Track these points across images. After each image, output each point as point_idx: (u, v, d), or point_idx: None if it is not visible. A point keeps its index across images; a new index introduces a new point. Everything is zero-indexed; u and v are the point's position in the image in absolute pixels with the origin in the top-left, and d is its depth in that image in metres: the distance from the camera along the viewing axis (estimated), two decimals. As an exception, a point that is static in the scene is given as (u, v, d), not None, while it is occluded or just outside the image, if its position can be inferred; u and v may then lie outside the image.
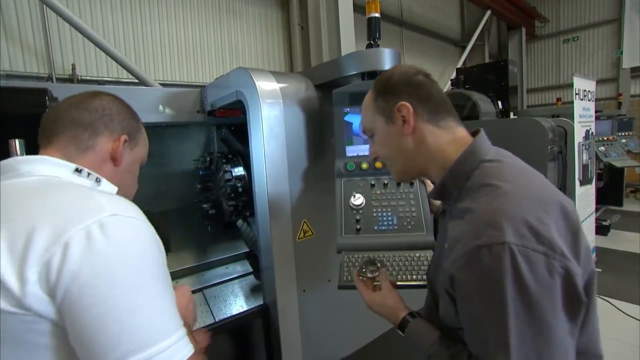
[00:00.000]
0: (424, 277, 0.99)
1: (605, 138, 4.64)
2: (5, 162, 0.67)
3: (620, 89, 8.12)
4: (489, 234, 0.59)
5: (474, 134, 0.80)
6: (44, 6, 2.72)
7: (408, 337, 0.82)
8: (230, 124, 1.99)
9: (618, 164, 4.45)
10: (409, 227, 1.12)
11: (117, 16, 3.28)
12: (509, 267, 0.57)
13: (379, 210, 1.16)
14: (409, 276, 1.00)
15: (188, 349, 0.59)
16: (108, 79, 3.25)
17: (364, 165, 1.24)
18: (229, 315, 1.44)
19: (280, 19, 4.59)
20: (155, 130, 1.92)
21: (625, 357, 2.33)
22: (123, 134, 0.78)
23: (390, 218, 1.14)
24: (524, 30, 8.71)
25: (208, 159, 1.94)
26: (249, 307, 1.52)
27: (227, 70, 4.04)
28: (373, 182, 1.21)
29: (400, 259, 1.05)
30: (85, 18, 3.05)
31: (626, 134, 5.29)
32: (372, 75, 1.31)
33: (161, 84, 3.24)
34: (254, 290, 1.79)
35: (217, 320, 1.44)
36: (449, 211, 0.78)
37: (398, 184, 1.20)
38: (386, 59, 1.28)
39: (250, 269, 1.94)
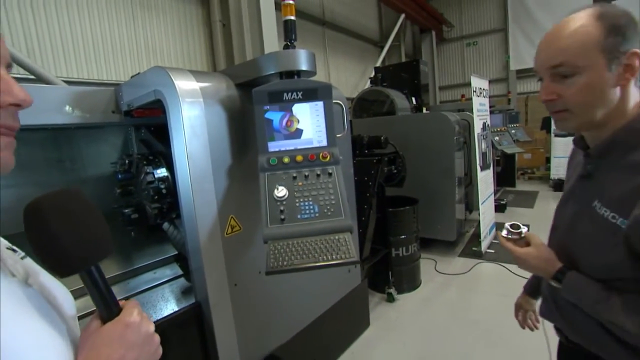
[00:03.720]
0: (344, 255, 1.11)
1: (498, 129, 5.39)
2: None
3: (509, 87, 9.49)
4: None
5: None
6: None
7: (566, 287, 0.82)
8: (149, 124, 1.92)
9: (508, 151, 5.23)
10: (329, 213, 1.23)
11: None
12: None
13: (301, 200, 1.25)
14: (330, 256, 1.11)
15: None
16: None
17: (286, 160, 1.32)
18: (160, 318, 1.42)
19: (201, 15, 4.45)
20: (62, 133, 1.78)
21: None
22: None
23: (311, 206, 1.24)
24: (434, 33, 9.61)
25: (127, 161, 1.84)
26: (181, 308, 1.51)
27: (145, 68, 3.80)
28: (295, 175, 1.30)
29: (323, 242, 1.15)
30: (-37, 6, 2.64)
31: (515, 125, 6.22)
32: (289, 74, 1.39)
33: (65, 82, 2.94)
34: (185, 293, 1.77)
35: (146, 325, 1.40)
36: (609, 167, 0.77)
37: (318, 175, 1.31)
38: (302, 60, 1.38)
39: (179, 272, 1.91)
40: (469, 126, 4.39)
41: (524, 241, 0.94)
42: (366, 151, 3.01)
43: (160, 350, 0.60)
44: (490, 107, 4.48)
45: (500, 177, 6.00)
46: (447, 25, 10.07)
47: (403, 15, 8.13)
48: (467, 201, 4.40)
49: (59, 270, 0.53)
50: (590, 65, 0.70)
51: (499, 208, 4.97)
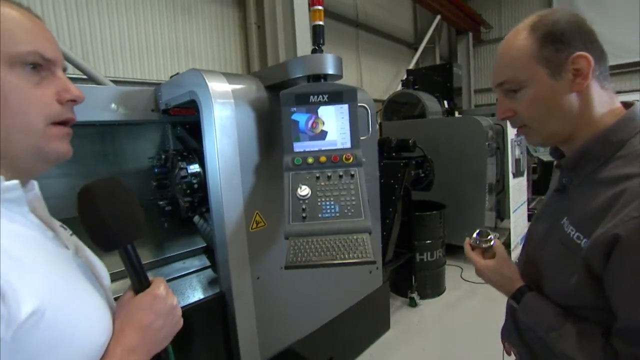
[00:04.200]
0: (360, 255, 1.14)
1: (537, 135, 5.15)
2: None
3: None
4: None
5: (626, 105, 0.72)
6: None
7: (523, 309, 0.77)
8: (185, 122, 2.04)
9: (545, 158, 4.98)
10: (349, 213, 1.27)
11: (59, 5, 3.15)
12: None
13: (323, 199, 1.29)
14: (347, 255, 1.14)
15: None
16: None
17: (310, 160, 1.36)
18: (186, 304, 1.51)
19: (237, 17, 4.60)
20: (108, 129, 1.93)
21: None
22: None
23: (332, 206, 1.28)
24: (470, 34, 9.34)
25: (163, 156, 1.97)
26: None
27: (183, 68, 3.99)
28: (318, 175, 1.34)
29: (341, 241, 1.19)
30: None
31: (556, 131, 5.86)
32: (317, 78, 1.44)
33: (112, 81, 3.16)
34: (211, 283, 1.86)
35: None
36: (580, 182, 0.72)
37: (340, 176, 1.34)
38: (329, 64, 1.42)
39: (207, 263, 2.01)
40: (503, 131, 4.25)
41: (492, 252, 0.89)
42: (394, 154, 3.01)
43: (181, 322, 0.69)
44: (527, 111, 4.29)
45: (537, 185, 5.73)
46: (485, 27, 9.75)
47: (439, 17, 7.96)
48: (499, 209, 4.25)
49: (103, 244, 0.63)
50: (532, 78, 0.69)
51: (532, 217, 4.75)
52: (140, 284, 0.66)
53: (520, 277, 0.82)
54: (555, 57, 0.67)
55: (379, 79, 7.38)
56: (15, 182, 0.53)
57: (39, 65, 0.54)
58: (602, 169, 0.68)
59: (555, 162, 0.81)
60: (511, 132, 3.56)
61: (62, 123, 0.57)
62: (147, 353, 0.61)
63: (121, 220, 0.62)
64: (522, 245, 0.92)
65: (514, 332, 0.87)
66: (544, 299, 0.75)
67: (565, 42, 0.66)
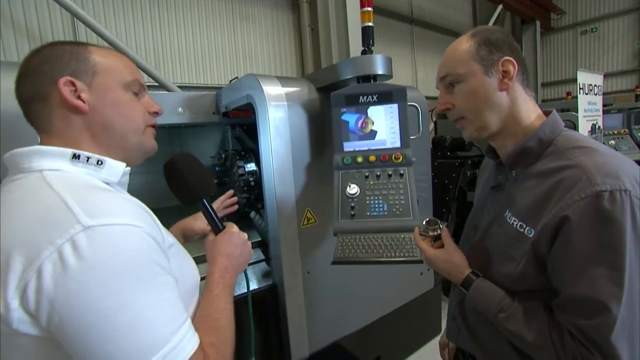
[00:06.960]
0: (407, 254, 1.14)
1: (616, 132, 4.59)
2: (7, 156, 0.63)
3: (640, 80, 7.92)
4: (608, 181, 0.63)
5: (546, 113, 0.85)
6: (75, 18, 2.98)
7: (473, 294, 0.82)
8: (243, 124, 2.17)
9: (632, 159, 4.40)
10: (398, 212, 1.27)
11: (138, 24, 3.51)
12: (629, 213, 0.62)
13: (372, 198, 1.31)
14: (394, 253, 1.15)
15: (191, 344, 0.58)
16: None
17: (359, 159, 1.39)
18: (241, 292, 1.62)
19: (292, 21, 4.75)
20: (175, 131, 2.14)
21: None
22: (59, 77, 0.64)
23: (381, 205, 1.29)
24: (538, 23, 8.57)
25: (223, 155, 2.12)
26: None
27: (242, 72, 4.23)
28: (367, 174, 1.36)
29: (388, 239, 1.20)
30: (110, 28, 3.30)
31: (643, 127, 5.16)
32: (366, 79, 1.46)
33: (179, 86, 3.46)
34: (265, 276, 1.97)
35: (231, 298, 1.62)
36: (516, 178, 0.81)
37: (389, 175, 1.35)
38: (378, 64, 1.43)
39: (262, 257, 2.12)
40: (574, 128, 3.87)
41: (440, 241, 0.92)
42: (448, 153, 2.91)
43: (252, 252, 0.90)
44: (605, 105, 3.86)
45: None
46: (556, 13, 8.89)
47: (500, 7, 7.44)
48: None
49: (186, 199, 0.85)
50: (469, 72, 0.80)
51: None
52: (218, 228, 0.87)
53: (468, 265, 0.86)
54: (489, 57, 0.79)
55: (435, 74, 7.11)
56: (128, 168, 0.72)
57: (137, 88, 0.75)
58: (534, 164, 0.78)
59: (496, 162, 0.89)
60: (583, 129, 3.24)
61: (151, 126, 0.79)
62: (234, 272, 0.82)
63: (197, 179, 0.84)
64: (462, 238, 0.99)
65: (464, 328, 0.92)
66: (491, 284, 0.81)
67: (497, 47, 0.79)
